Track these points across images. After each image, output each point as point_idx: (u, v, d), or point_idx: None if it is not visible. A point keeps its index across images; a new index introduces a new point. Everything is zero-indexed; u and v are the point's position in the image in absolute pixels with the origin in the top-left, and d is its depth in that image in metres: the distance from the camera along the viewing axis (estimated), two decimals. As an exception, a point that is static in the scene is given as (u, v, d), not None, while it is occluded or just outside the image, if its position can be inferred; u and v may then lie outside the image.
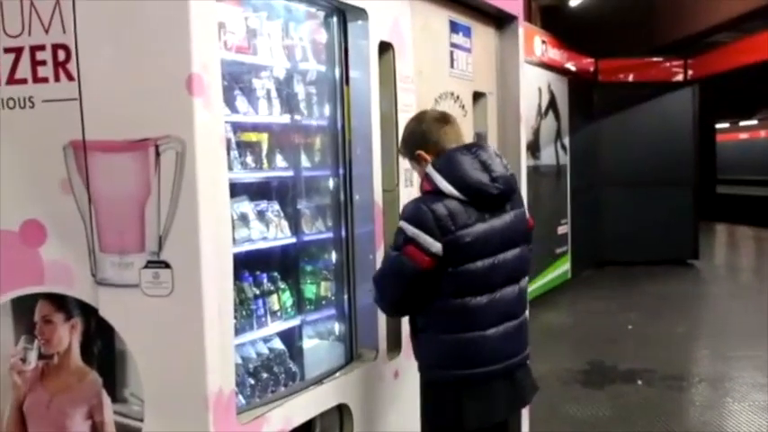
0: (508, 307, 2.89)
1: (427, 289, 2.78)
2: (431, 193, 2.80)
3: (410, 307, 2.91)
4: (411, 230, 2.73)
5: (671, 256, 12.10)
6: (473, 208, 2.76)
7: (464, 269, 2.76)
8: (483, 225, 2.77)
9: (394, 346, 3.49)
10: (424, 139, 2.91)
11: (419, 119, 3.02)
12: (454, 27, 4.12)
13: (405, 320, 3.47)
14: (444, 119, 2.97)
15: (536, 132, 9.64)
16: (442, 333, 2.84)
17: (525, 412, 4.49)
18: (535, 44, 9.48)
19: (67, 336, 2.56)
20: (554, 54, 10.25)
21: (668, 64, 12.33)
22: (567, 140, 10.79)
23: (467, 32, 4.24)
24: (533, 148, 9.54)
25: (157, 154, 2.35)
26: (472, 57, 4.29)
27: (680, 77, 12.23)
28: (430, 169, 2.82)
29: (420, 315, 2.90)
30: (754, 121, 25.95)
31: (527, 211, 3.04)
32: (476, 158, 2.80)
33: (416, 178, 3.62)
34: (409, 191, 3.57)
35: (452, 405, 2.83)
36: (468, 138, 3.92)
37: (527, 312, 3.08)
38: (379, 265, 3.37)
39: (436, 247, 2.71)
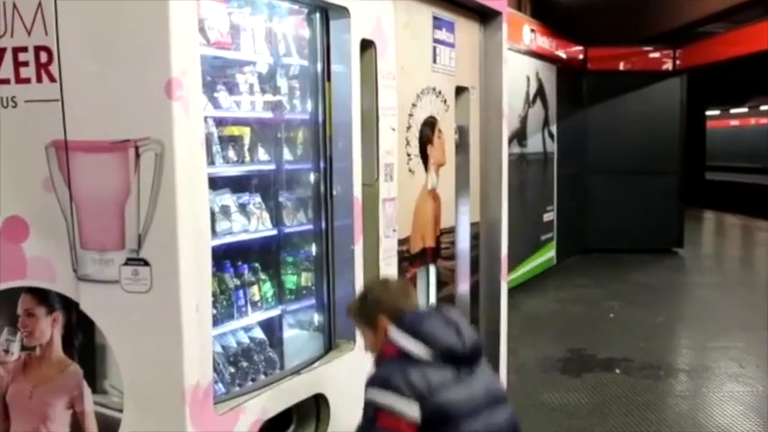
0: None
1: None
2: (396, 357, 2.50)
3: None
4: (381, 398, 2.41)
5: (656, 244, 12.21)
6: (446, 368, 2.47)
7: None
8: (462, 389, 2.48)
9: (371, 337, 3.56)
10: (389, 306, 2.64)
11: (385, 286, 2.87)
12: (437, 23, 4.17)
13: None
14: (407, 290, 2.81)
15: (523, 120, 9.68)
16: None
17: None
18: (524, 32, 9.50)
19: (49, 328, 2.63)
20: (543, 42, 10.27)
21: (657, 53, 12.38)
22: (554, 128, 10.85)
23: (450, 28, 4.30)
24: (520, 136, 9.60)
25: (137, 155, 2.42)
26: (455, 52, 4.35)
27: (669, 67, 12.28)
28: (394, 332, 2.54)
29: None
30: (745, 109, 26.05)
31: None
32: (442, 316, 2.60)
33: (396, 174, 3.71)
34: (389, 185, 3.64)
35: None
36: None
37: None
38: (358, 256, 3.46)
39: (413, 410, 2.38)
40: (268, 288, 3.40)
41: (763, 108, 24.80)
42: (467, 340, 2.52)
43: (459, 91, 4.46)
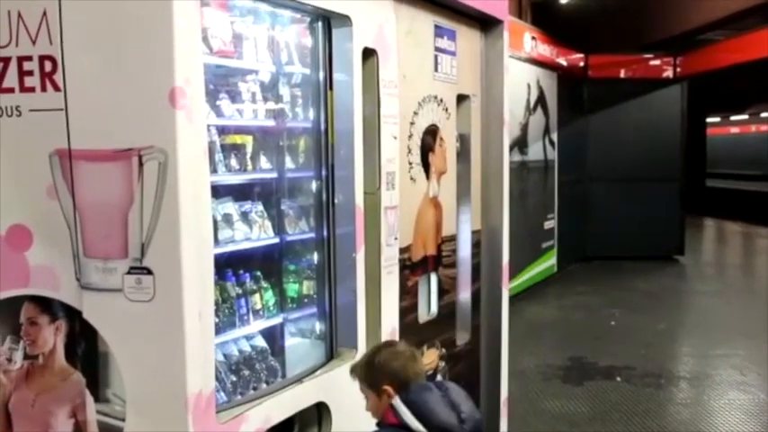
0: None
1: None
2: (396, 426, 2.66)
3: None
4: None
5: (657, 251, 12.23)
6: None
7: None
8: None
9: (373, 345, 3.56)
10: (396, 375, 2.75)
11: (392, 353, 2.86)
12: (439, 31, 4.17)
13: (385, 319, 3.56)
14: (414, 356, 2.88)
15: (524, 128, 9.71)
16: None
17: (504, 408, 4.59)
18: (525, 40, 9.53)
19: (52, 337, 2.62)
20: (544, 50, 10.30)
21: (658, 61, 12.42)
22: (555, 136, 10.88)
23: (451, 36, 4.30)
24: (521, 144, 9.62)
25: (140, 164, 2.41)
26: (457, 60, 4.35)
27: (669, 74, 12.31)
28: (398, 402, 2.68)
29: None
30: (745, 116, 26.10)
31: None
32: (444, 396, 2.70)
33: (398, 182, 3.71)
34: (390, 194, 3.64)
35: None
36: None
37: None
38: (359, 264, 3.46)
39: None
40: (270, 296, 3.39)
41: (763, 115, 24.84)
42: (467, 424, 2.64)
43: (461, 99, 4.46)
